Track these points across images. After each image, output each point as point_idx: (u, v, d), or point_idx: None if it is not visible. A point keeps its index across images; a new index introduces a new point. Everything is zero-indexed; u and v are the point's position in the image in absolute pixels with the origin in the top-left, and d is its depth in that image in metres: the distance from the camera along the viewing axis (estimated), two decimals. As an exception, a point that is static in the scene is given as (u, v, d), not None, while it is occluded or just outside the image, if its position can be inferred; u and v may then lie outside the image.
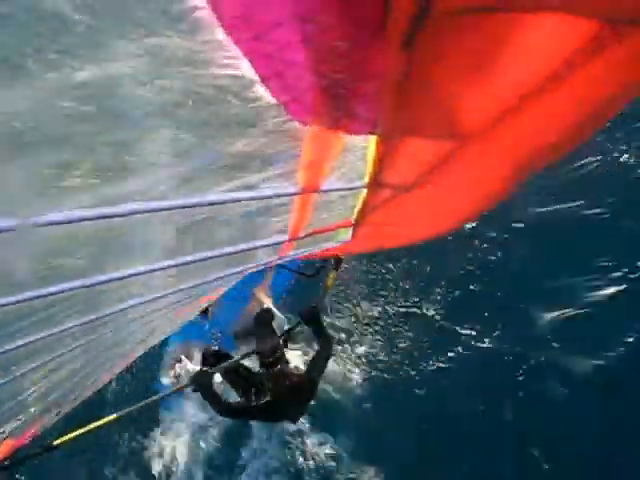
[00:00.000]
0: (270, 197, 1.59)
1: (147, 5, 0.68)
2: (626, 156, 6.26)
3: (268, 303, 4.89)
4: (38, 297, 1.43)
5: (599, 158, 6.21)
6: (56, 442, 3.56)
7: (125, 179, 1.07)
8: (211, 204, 1.47)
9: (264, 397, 3.65)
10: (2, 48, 0.63)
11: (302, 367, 4.18)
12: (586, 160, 6.28)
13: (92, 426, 3.72)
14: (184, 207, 1.40)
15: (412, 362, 6.28)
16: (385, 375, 6.25)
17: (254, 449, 6.36)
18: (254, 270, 3.13)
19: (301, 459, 6.17)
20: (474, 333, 6.33)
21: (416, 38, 0.93)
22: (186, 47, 0.79)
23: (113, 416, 3.76)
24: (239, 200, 1.52)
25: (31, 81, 0.70)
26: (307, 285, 4.95)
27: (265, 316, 4.39)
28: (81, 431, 3.70)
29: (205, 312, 5.25)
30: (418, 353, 6.35)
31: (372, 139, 1.39)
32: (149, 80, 0.81)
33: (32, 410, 2.96)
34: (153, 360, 6.32)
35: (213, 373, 3.70)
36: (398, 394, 6.21)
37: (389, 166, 1.55)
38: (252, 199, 1.57)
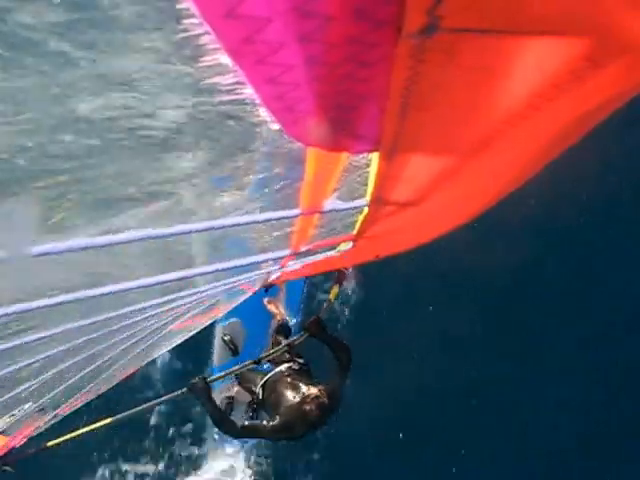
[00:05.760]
0: (272, 220, 1.57)
1: (150, 35, 0.66)
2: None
3: (283, 315, 4.84)
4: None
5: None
6: (49, 443, 3.49)
7: (130, 208, 1.05)
8: (213, 229, 1.44)
9: (275, 415, 3.53)
10: (5, 88, 0.61)
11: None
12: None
13: (86, 429, 3.66)
14: (185, 233, 1.38)
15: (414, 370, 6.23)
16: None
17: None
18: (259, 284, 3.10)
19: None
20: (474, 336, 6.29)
21: (424, 53, 0.92)
22: (189, 73, 0.77)
23: (107, 420, 3.69)
24: (241, 224, 1.50)
25: (34, 116, 0.68)
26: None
27: (281, 329, 4.37)
28: (75, 434, 3.65)
29: (234, 351, 5.22)
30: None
31: (374, 156, 1.37)
32: (152, 111, 0.79)
33: (26, 406, 2.91)
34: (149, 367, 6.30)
35: (211, 381, 3.63)
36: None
37: (391, 183, 1.54)
38: (254, 222, 1.55)
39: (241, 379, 4.35)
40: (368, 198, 1.66)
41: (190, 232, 1.36)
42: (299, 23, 0.81)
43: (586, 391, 6.05)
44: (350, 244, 2.21)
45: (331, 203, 1.62)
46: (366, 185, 1.56)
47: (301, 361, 3.91)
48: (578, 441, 5.97)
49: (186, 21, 0.69)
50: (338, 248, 2.31)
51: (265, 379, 3.85)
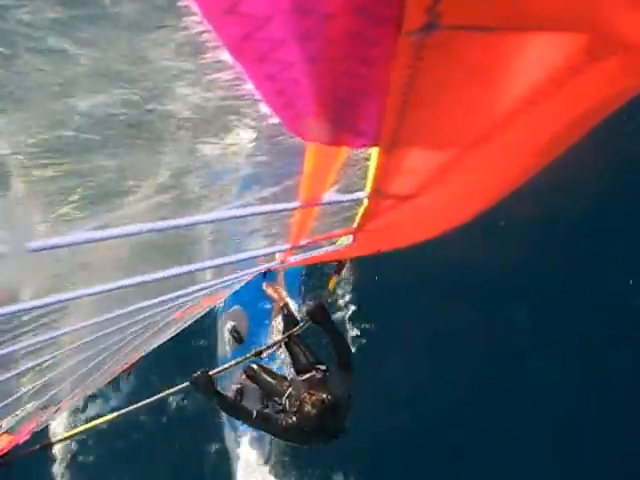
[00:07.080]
0: (271, 212, 1.58)
1: (149, 35, 0.66)
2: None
3: (284, 298, 4.82)
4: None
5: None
6: (53, 440, 3.51)
7: (128, 201, 1.05)
8: (212, 222, 1.45)
9: (289, 415, 3.58)
10: (6, 84, 0.62)
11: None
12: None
13: (90, 424, 3.68)
14: (185, 226, 1.38)
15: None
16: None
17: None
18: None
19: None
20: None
21: (423, 50, 0.92)
22: (189, 70, 0.77)
23: (113, 415, 3.70)
24: (240, 217, 1.51)
25: (34, 113, 0.68)
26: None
27: (288, 319, 4.38)
28: (79, 429, 3.69)
29: (239, 339, 5.21)
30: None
31: (374, 151, 1.37)
32: (152, 107, 0.80)
33: (29, 406, 2.93)
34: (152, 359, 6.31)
35: (213, 373, 3.63)
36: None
37: (391, 177, 1.54)
38: (252, 214, 1.55)
39: (263, 387, 4.35)
40: (368, 191, 1.66)
41: (188, 225, 1.36)
42: (299, 21, 0.81)
43: (586, 388, 6.06)
44: (350, 238, 2.21)
45: (330, 195, 1.63)
46: (365, 179, 1.56)
47: (322, 368, 3.92)
48: (578, 439, 5.99)
49: (186, 19, 0.69)
50: (338, 242, 2.31)
51: (288, 392, 3.89)
